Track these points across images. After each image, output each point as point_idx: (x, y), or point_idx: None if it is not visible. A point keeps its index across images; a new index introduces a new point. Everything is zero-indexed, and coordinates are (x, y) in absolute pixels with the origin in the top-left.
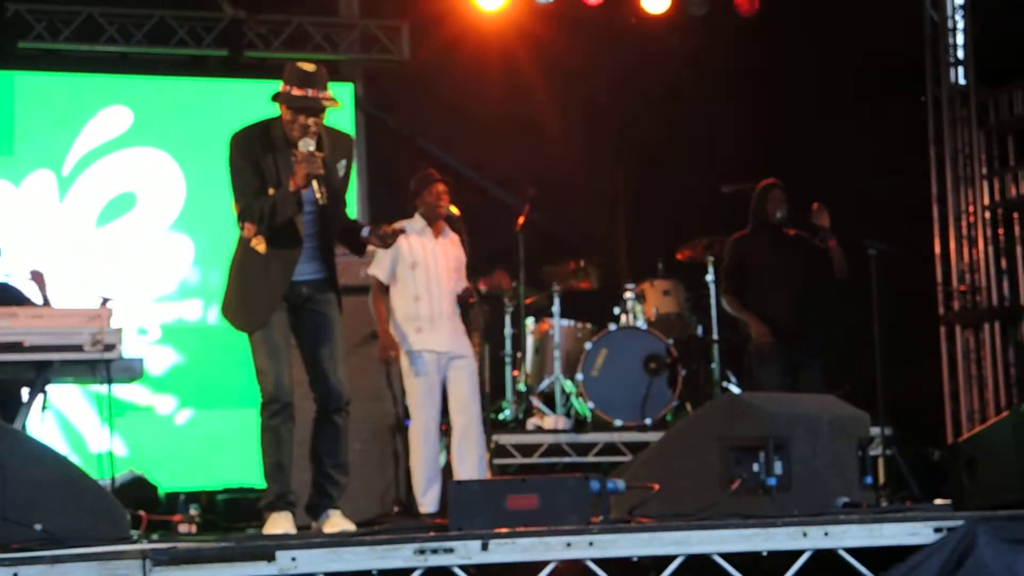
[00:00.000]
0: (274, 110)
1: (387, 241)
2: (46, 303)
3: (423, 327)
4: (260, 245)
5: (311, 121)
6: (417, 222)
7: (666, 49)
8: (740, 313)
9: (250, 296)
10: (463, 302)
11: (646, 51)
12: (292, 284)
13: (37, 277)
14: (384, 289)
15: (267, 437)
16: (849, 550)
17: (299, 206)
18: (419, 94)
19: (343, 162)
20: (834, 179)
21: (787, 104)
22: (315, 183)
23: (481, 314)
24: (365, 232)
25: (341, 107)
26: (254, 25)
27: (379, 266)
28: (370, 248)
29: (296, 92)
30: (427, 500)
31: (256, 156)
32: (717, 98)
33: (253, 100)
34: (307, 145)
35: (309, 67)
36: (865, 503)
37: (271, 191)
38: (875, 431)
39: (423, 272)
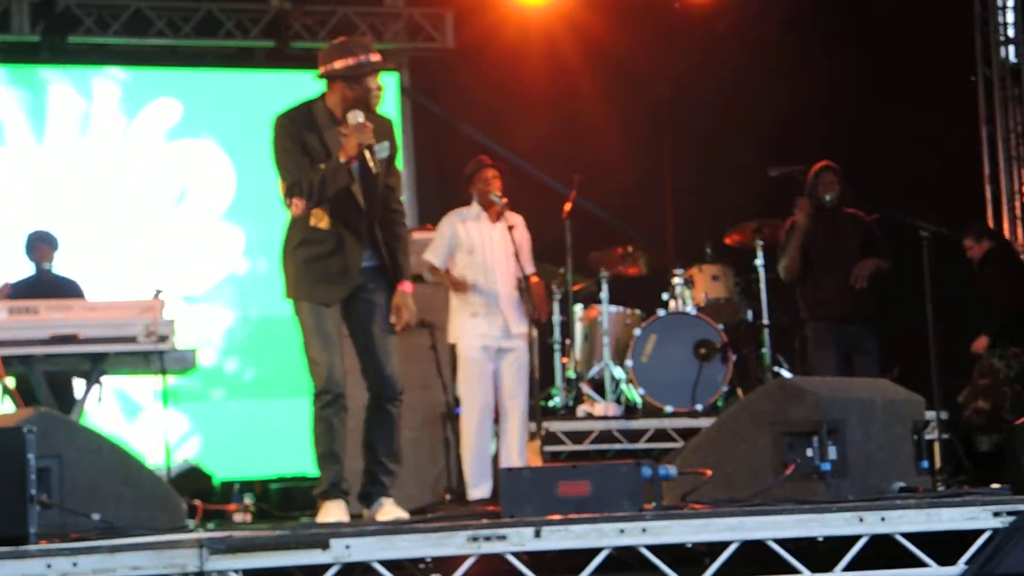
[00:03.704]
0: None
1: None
2: None
3: (478, 312)
4: (322, 221)
5: (375, 85)
6: (473, 208)
7: (712, 33)
8: (788, 249)
9: (321, 271)
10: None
11: (692, 35)
12: None
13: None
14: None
15: (320, 426)
16: (906, 535)
17: (350, 176)
18: (464, 81)
19: (386, 143)
20: (885, 161)
21: (836, 86)
22: (367, 152)
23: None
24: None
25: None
26: (300, 16)
27: (434, 252)
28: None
29: (352, 61)
30: (479, 488)
31: (302, 135)
32: (765, 81)
33: (300, 91)
34: (356, 116)
35: (344, 39)
36: (921, 488)
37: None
38: (930, 415)
39: (480, 258)
